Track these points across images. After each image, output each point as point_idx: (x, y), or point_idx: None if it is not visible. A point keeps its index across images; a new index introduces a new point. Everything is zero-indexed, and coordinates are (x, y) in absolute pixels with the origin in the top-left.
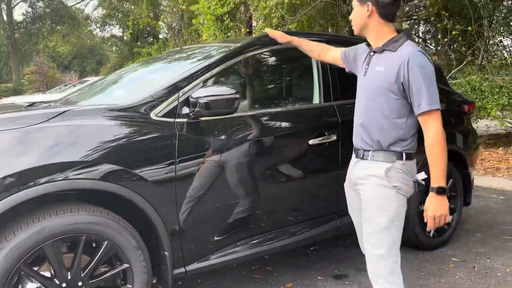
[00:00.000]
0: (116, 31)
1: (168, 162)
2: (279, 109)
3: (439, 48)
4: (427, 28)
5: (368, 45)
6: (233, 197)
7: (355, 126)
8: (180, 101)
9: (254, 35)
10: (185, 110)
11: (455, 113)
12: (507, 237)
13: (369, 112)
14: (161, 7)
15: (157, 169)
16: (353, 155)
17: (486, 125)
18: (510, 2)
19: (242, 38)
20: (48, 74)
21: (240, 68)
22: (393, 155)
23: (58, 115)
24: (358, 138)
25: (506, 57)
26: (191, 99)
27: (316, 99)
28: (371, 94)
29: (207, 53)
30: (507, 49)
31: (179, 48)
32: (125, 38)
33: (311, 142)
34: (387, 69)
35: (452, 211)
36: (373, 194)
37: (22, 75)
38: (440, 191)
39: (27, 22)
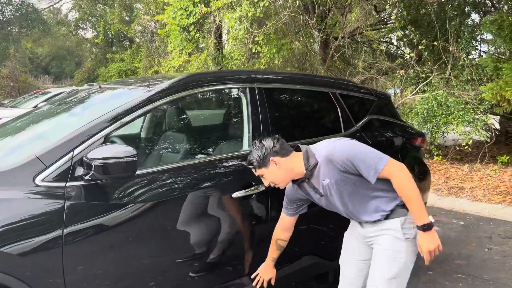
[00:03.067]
0: (90, 35)
1: (52, 236)
2: (195, 161)
3: (407, 56)
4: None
5: (295, 181)
6: (138, 269)
7: (353, 220)
8: (74, 161)
9: (225, 46)
10: (80, 171)
11: (406, 148)
12: (459, 275)
13: (357, 205)
14: (134, 12)
15: (38, 245)
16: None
17: (453, 140)
18: (477, 15)
19: (166, 77)
20: (20, 79)
21: (155, 116)
22: (402, 208)
23: None
24: (364, 220)
25: (472, 72)
26: (85, 160)
27: (245, 145)
28: (342, 197)
29: (120, 97)
30: (474, 63)
31: (98, 86)
32: (98, 43)
33: (235, 195)
34: (330, 177)
35: None
36: (387, 245)
37: None
38: (425, 227)
39: None
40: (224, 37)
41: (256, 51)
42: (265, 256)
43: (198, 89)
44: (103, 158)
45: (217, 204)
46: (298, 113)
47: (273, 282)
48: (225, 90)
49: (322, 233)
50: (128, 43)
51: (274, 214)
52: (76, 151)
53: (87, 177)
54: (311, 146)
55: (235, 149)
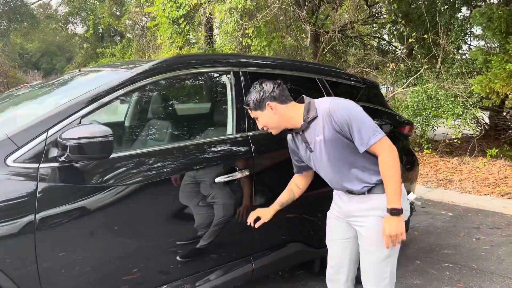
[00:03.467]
0: (80, 29)
1: (24, 221)
2: (177, 145)
3: (399, 52)
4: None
5: (290, 130)
6: (116, 255)
7: (336, 187)
8: (48, 142)
9: (216, 39)
10: (54, 152)
11: (393, 136)
12: (446, 264)
13: (343, 170)
14: (124, 7)
15: (9, 230)
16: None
17: (443, 133)
18: (466, 9)
19: (152, 60)
20: (9, 74)
21: (138, 98)
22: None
23: None
24: (348, 189)
25: (462, 65)
26: (60, 140)
27: (229, 130)
28: (331, 158)
29: (101, 78)
30: (464, 57)
31: (78, 70)
32: (88, 37)
33: (217, 179)
34: (325, 134)
35: None
36: (375, 228)
37: None
38: (394, 212)
39: None
40: (216, 31)
41: (246, 44)
42: (248, 242)
43: (182, 71)
44: (79, 138)
45: (199, 189)
46: None
47: (257, 225)
48: (210, 73)
49: (308, 220)
50: (119, 38)
51: (257, 200)
52: (51, 131)
53: (62, 159)
54: (315, 99)
55: (219, 134)
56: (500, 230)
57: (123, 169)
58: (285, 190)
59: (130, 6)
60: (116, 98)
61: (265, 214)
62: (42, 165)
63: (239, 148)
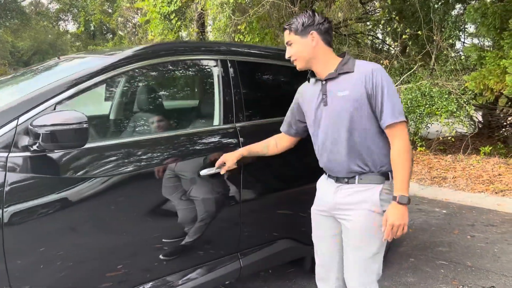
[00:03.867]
0: (72, 27)
1: None
2: (161, 135)
3: (392, 50)
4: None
5: (311, 78)
6: (91, 250)
7: (328, 158)
8: (18, 130)
9: (209, 36)
10: (25, 141)
11: None
12: (441, 262)
13: (346, 138)
14: (115, 3)
15: None
16: (329, 179)
17: (437, 131)
18: (460, 5)
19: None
20: None
21: (114, 86)
22: (381, 175)
23: None
24: (338, 167)
25: (456, 62)
26: (31, 128)
27: (216, 121)
28: (343, 119)
29: (82, 64)
30: (458, 53)
31: (56, 58)
32: (79, 35)
33: (203, 172)
34: (352, 91)
35: None
36: (364, 222)
37: None
38: (401, 201)
39: None
40: (208, 27)
41: (239, 41)
42: (235, 239)
43: (169, 57)
44: (51, 125)
45: (182, 183)
46: (274, 90)
47: (222, 171)
48: (199, 61)
49: (299, 216)
50: (110, 35)
51: (246, 195)
52: (22, 118)
53: (33, 148)
54: (356, 59)
55: (205, 125)
56: (495, 228)
57: (102, 160)
58: (262, 141)
59: (121, 2)
60: (96, 84)
61: (229, 158)
62: (11, 154)
63: (226, 140)
